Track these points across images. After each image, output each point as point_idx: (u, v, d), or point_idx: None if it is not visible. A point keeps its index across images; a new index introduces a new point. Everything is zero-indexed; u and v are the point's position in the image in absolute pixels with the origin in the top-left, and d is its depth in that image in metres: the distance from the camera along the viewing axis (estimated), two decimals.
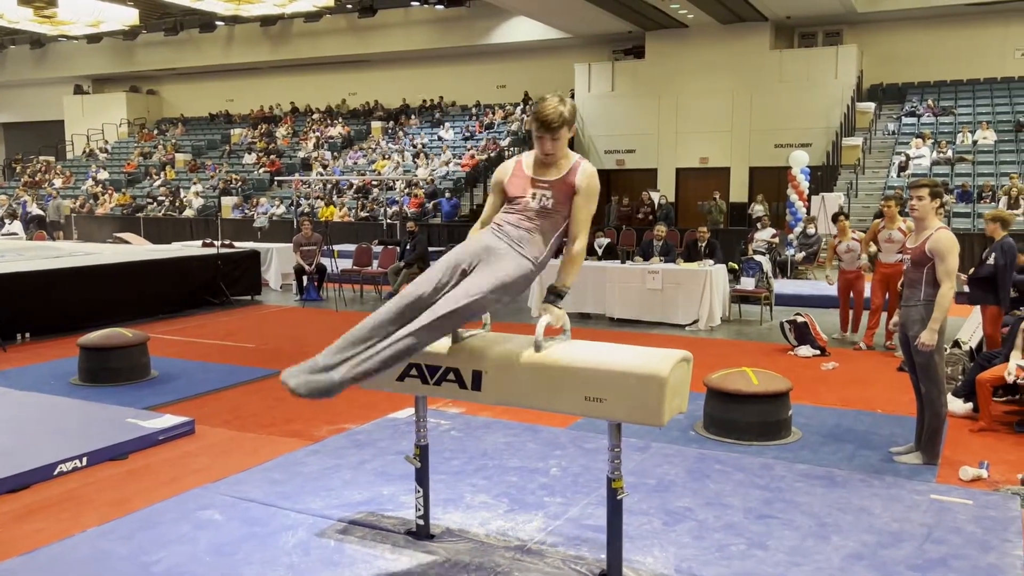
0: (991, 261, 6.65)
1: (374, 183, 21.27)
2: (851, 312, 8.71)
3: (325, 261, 12.35)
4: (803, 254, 14.34)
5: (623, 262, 10.97)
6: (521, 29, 22.34)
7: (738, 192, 20.42)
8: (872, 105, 19.76)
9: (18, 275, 9.21)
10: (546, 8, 19.75)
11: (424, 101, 25.59)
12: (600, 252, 11.25)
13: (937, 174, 16.54)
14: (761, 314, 9.97)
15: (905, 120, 19.10)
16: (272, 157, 24.29)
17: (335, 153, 24.09)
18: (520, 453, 4.75)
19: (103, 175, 26.05)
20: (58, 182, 26.52)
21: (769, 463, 4.62)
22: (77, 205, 23.61)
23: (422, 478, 3.55)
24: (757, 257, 11.01)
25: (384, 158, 22.81)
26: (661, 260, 10.05)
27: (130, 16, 22.24)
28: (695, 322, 9.46)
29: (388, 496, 4.08)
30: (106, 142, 29.10)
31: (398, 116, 25.31)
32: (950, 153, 17.39)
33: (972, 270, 6.93)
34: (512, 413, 5.36)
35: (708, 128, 20.65)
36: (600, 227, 16.56)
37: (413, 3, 22.36)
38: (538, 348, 3.04)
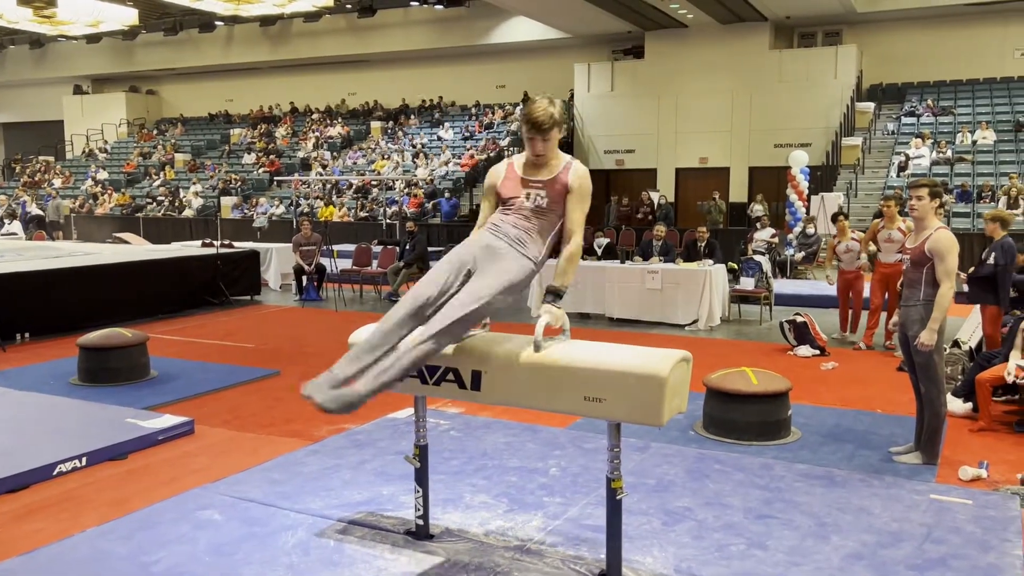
0: (991, 261, 6.66)
1: (373, 183, 21.27)
2: (850, 312, 8.71)
3: (324, 261, 12.34)
4: (802, 254, 14.34)
5: (622, 262, 10.97)
6: (520, 29, 22.34)
7: (737, 192, 20.42)
8: (872, 105, 19.77)
9: (17, 275, 9.21)
10: (545, 8, 19.75)
11: (423, 101, 25.59)
12: (599, 252, 11.26)
13: (936, 174, 16.54)
14: (760, 314, 9.97)
15: (904, 120, 19.10)
16: (271, 157, 24.29)
17: (334, 153, 24.09)
18: (520, 453, 4.75)
19: (102, 175, 26.04)
20: (57, 182, 26.52)
21: (769, 463, 4.62)
22: (76, 205, 23.60)
23: (422, 478, 3.55)
24: (756, 257, 11.01)
25: (383, 158, 22.81)
26: (660, 260, 10.05)
27: (129, 16, 22.23)
28: (694, 322, 9.46)
29: (388, 496, 4.08)
30: (105, 142, 29.09)
31: (397, 116, 25.31)
32: (949, 153, 17.40)
33: (972, 269, 6.93)
34: (512, 413, 5.36)
35: (708, 128, 20.65)
36: (599, 227, 16.60)
37: (412, 3, 22.36)
38: (537, 348, 3.04)
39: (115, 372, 6.79)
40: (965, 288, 6.95)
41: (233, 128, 27.64)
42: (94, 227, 21.38)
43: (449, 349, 3.16)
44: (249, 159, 24.94)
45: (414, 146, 22.96)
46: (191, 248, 12.99)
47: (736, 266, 10.51)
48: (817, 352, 7.94)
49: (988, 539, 3.58)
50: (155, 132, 29.05)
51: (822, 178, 17.47)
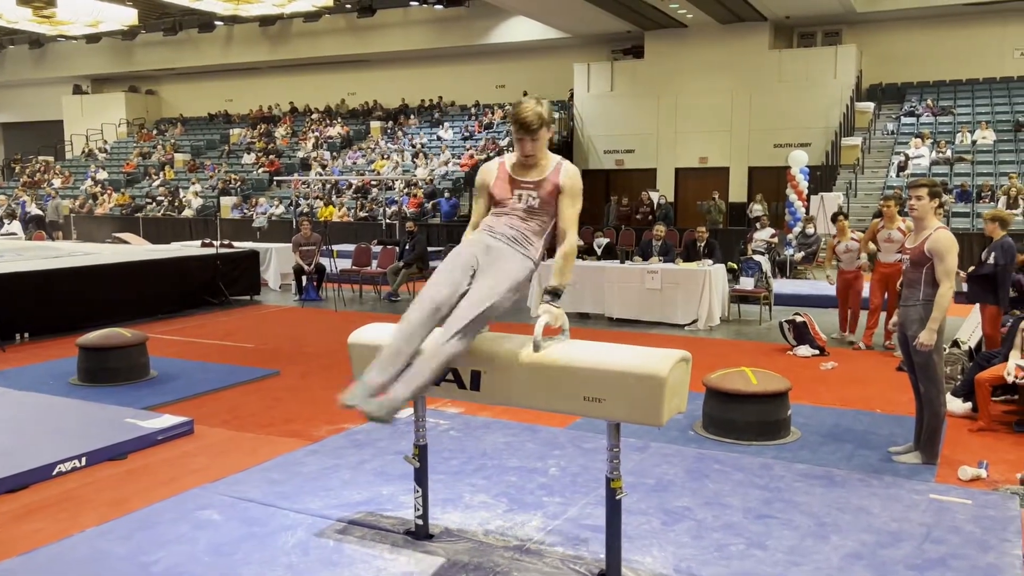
0: (991, 260, 6.66)
1: (373, 183, 21.27)
2: (849, 312, 8.71)
3: (324, 261, 12.35)
4: (802, 254, 14.35)
5: (622, 262, 10.98)
6: (520, 29, 22.33)
7: (737, 192, 20.41)
8: (871, 105, 19.76)
9: (17, 275, 9.21)
10: (545, 8, 19.74)
11: (423, 101, 25.59)
12: (599, 252, 11.25)
13: (936, 174, 16.54)
14: (760, 314, 9.97)
15: (904, 120, 19.11)
16: (271, 157, 24.28)
17: (334, 153, 24.09)
18: (519, 453, 4.75)
19: (102, 175, 26.03)
20: (57, 182, 26.51)
21: (768, 463, 4.62)
22: (76, 205, 23.59)
23: (421, 478, 3.55)
24: (756, 257, 11.02)
25: (383, 158, 22.80)
26: (660, 260, 10.04)
27: (129, 16, 22.22)
28: (694, 322, 9.46)
29: (387, 496, 4.08)
30: (105, 142, 29.09)
31: (397, 116, 25.31)
32: (949, 153, 17.40)
33: (971, 268, 6.93)
34: (511, 413, 5.36)
35: (707, 128, 20.65)
36: (599, 227, 16.59)
37: (412, 3, 22.35)
38: (537, 348, 3.04)
39: (114, 372, 6.79)
40: (964, 287, 6.95)
41: (233, 128, 27.64)
42: (94, 227, 21.37)
43: None
44: (249, 159, 24.94)
45: (414, 146, 22.95)
46: (191, 248, 12.99)
47: (736, 266, 10.51)
48: (817, 352, 7.94)
49: (987, 539, 3.58)
50: (155, 132, 29.05)
51: (822, 178, 17.47)
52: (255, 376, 7.12)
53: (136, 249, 13.50)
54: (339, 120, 25.99)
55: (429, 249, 12.79)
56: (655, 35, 20.85)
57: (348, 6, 22.69)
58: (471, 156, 21.43)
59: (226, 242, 13.06)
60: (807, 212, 15.46)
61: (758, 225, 14.47)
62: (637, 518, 3.77)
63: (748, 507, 3.95)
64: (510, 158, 3.30)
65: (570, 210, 3.20)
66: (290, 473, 4.43)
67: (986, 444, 5.22)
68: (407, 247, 12.18)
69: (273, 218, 20.50)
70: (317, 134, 25.21)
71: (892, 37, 20.02)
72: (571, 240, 3.19)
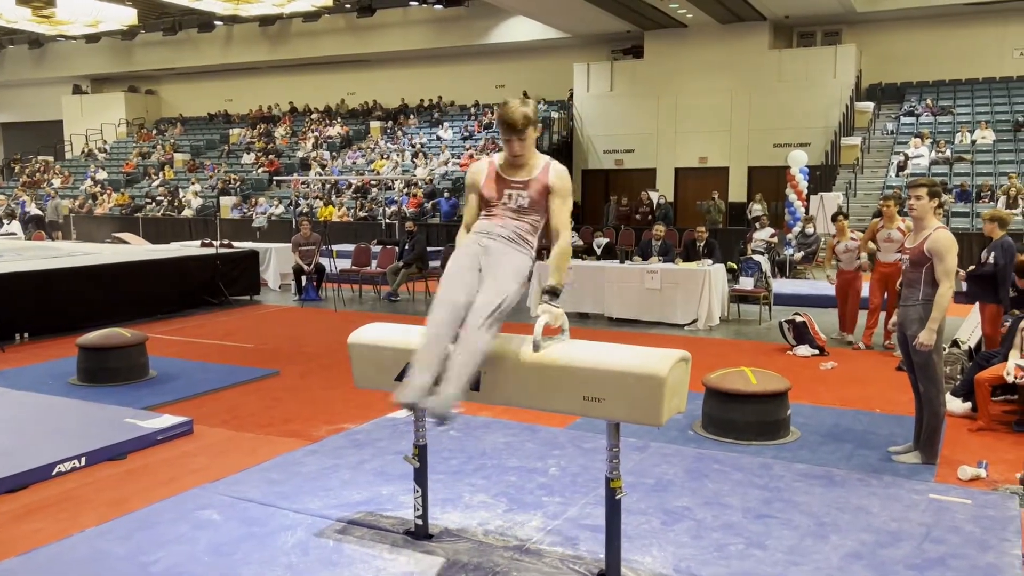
0: (991, 260, 6.66)
1: (373, 183, 21.27)
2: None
3: (324, 261, 12.35)
4: (802, 254, 14.35)
5: (622, 262, 10.98)
6: (520, 29, 22.33)
7: (737, 192, 20.42)
8: (871, 105, 19.77)
9: (17, 275, 9.21)
10: (545, 8, 19.74)
11: (423, 101, 25.59)
12: (599, 252, 11.25)
13: (936, 174, 16.54)
14: (760, 314, 9.97)
15: (904, 120, 19.11)
16: (271, 157, 24.28)
17: (334, 153, 24.08)
18: (519, 453, 4.75)
19: (102, 175, 26.03)
20: (57, 182, 26.51)
21: (768, 463, 4.62)
22: (76, 205, 23.59)
23: (421, 478, 3.54)
24: (756, 257, 11.02)
25: (383, 158, 22.80)
26: (660, 260, 10.04)
27: (128, 16, 22.21)
28: (694, 322, 9.46)
29: (387, 496, 4.08)
30: (105, 142, 29.08)
31: (397, 116, 25.31)
32: (949, 153, 17.40)
33: (971, 268, 6.93)
34: (511, 413, 5.36)
35: (707, 128, 20.65)
36: (599, 227, 16.61)
37: (412, 3, 22.35)
38: (536, 348, 3.04)
39: (114, 372, 6.79)
40: (964, 286, 6.95)
41: (232, 128, 27.63)
42: (93, 227, 21.37)
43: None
44: (248, 159, 24.93)
45: (413, 146, 22.95)
46: (190, 248, 12.99)
47: (735, 266, 10.51)
48: (816, 352, 7.94)
49: (987, 539, 3.58)
50: (154, 132, 29.04)
51: (821, 178, 17.47)
52: (255, 376, 7.12)
53: (136, 249, 13.50)
54: (339, 120, 25.99)
55: (428, 249, 12.79)
56: (655, 35, 20.86)
57: (348, 6, 22.69)
58: (471, 156, 21.41)
59: (226, 242, 13.06)
60: (807, 212, 15.47)
61: (758, 225, 14.47)
62: (637, 518, 3.77)
63: (748, 507, 3.95)
64: (499, 158, 3.32)
65: (561, 210, 3.23)
66: (290, 473, 4.43)
67: (986, 444, 5.22)
68: (407, 247, 12.18)
69: (273, 218, 20.49)
70: (317, 134, 25.20)
71: (892, 37, 20.02)
72: (565, 239, 3.22)
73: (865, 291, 8.60)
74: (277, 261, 13.24)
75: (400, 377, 3.27)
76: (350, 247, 14.21)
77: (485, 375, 3.11)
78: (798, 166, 16.06)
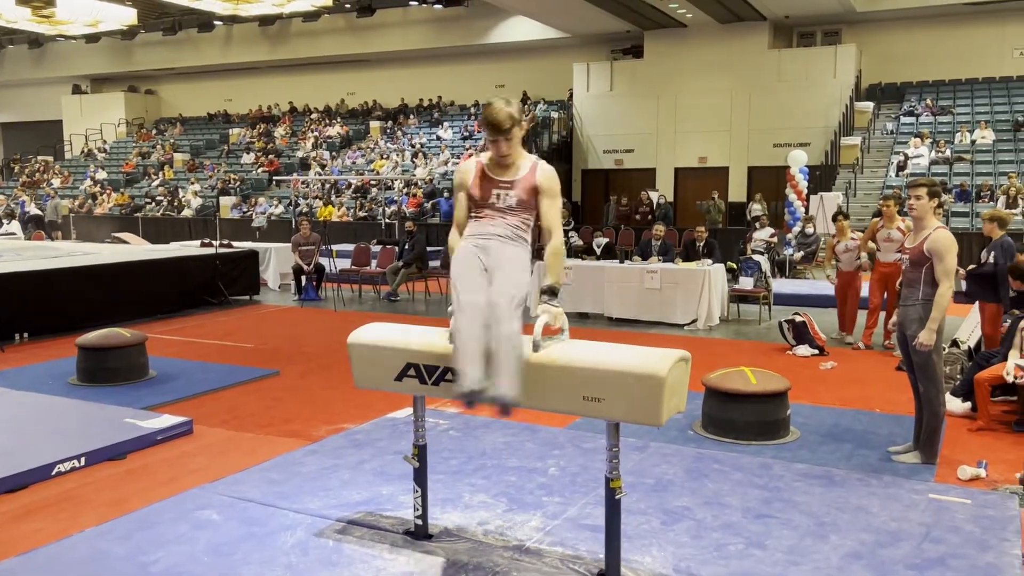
0: (991, 260, 6.66)
1: (372, 183, 21.27)
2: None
3: (323, 261, 12.34)
4: (801, 253, 14.35)
5: (621, 262, 10.98)
6: (519, 29, 22.33)
7: (736, 192, 20.42)
8: (871, 104, 19.77)
9: (16, 275, 9.20)
10: (544, 8, 19.74)
11: (422, 101, 25.59)
12: (599, 252, 11.25)
13: (935, 173, 16.55)
14: (760, 314, 9.97)
15: (903, 119, 19.11)
16: (270, 157, 24.27)
17: (333, 153, 24.08)
18: (518, 453, 4.75)
19: (101, 175, 26.02)
20: (56, 182, 26.50)
21: (767, 462, 4.62)
22: (75, 205, 23.59)
23: (420, 478, 3.54)
24: (755, 256, 11.02)
25: (383, 158, 22.80)
26: (659, 260, 10.04)
27: (128, 16, 22.21)
28: (693, 322, 9.46)
29: (387, 496, 4.08)
30: (104, 142, 29.08)
31: (396, 116, 25.30)
32: (948, 152, 17.40)
33: (971, 267, 6.93)
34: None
35: (707, 128, 20.65)
36: (598, 227, 16.60)
37: (411, 3, 22.34)
38: (536, 348, 3.04)
39: (114, 372, 6.79)
40: (963, 285, 6.95)
41: (232, 128, 27.63)
42: (93, 227, 21.37)
43: (449, 349, 3.17)
44: (248, 159, 24.93)
45: (413, 146, 22.95)
46: (190, 248, 12.99)
47: (735, 266, 10.51)
48: (816, 352, 7.94)
49: (987, 538, 3.58)
50: (154, 132, 29.04)
51: (821, 178, 17.48)
52: (254, 376, 7.12)
53: (135, 249, 13.50)
54: (338, 120, 25.98)
55: (428, 249, 12.79)
56: (654, 35, 20.86)
57: (347, 6, 22.68)
58: (471, 156, 21.38)
59: (225, 242, 13.06)
60: (806, 212, 15.47)
61: (757, 225, 14.47)
62: (636, 518, 3.77)
63: (747, 507, 3.95)
64: (486, 157, 3.32)
65: (552, 210, 3.24)
66: (289, 473, 4.42)
67: (985, 444, 5.22)
68: (406, 247, 12.18)
69: (272, 218, 20.49)
70: (316, 134, 25.20)
71: (892, 37, 20.02)
72: (557, 238, 3.23)
73: (865, 291, 8.60)
74: (277, 261, 13.24)
75: (400, 377, 3.27)
76: (350, 247, 14.21)
77: None
78: (798, 166, 16.07)
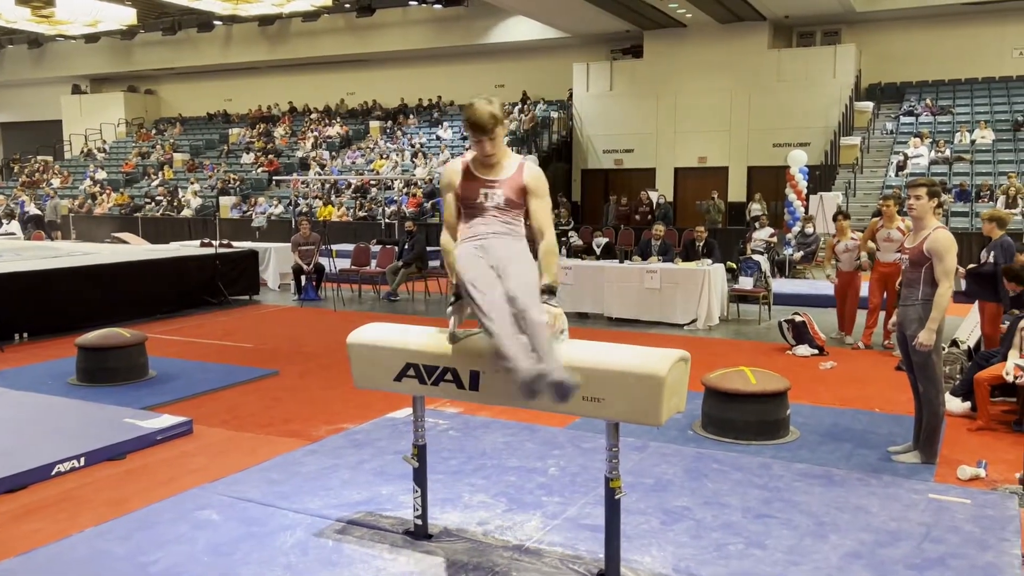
0: (991, 259, 6.66)
1: (372, 183, 21.27)
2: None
3: (323, 261, 12.34)
4: (801, 253, 14.35)
5: (621, 261, 10.98)
6: (519, 29, 22.33)
7: (736, 191, 20.42)
8: (870, 104, 19.78)
9: (16, 275, 9.20)
10: (544, 8, 19.74)
11: (422, 101, 25.58)
12: (598, 252, 11.25)
13: (935, 173, 16.55)
14: (759, 313, 9.97)
15: (903, 119, 19.11)
16: (270, 157, 24.27)
17: (333, 153, 24.08)
18: (518, 453, 4.75)
19: (101, 175, 26.02)
20: (56, 182, 26.50)
21: (767, 462, 4.62)
22: (75, 205, 23.59)
23: (420, 478, 3.54)
24: (755, 256, 11.03)
25: (382, 158, 22.80)
26: (659, 260, 10.04)
27: (128, 16, 22.20)
28: (693, 321, 9.46)
29: (386, 496, 4.08)
30: (104, 142, 29.07)
31: (396, 116, 25.30)
32: (948, 152, 17.41)
33: (971, 266, 6.93)
34: (510, 413, 5.35)
35: (706, 127, 20.65)
36: (598, 227, 16.61)
37: (411, 3, 22.34)
38: None
39: (113, 372, 6.79)
40: (963, 284, 6.95)
41: (232, 128, 27.62)
42: (92, 227, 21.37)
43: (448, 349, 3.17)
44: (248, 159, 24.93)
45: (413, 146, 22.95)
46: (190, 248, 12.99)
47: (735, 265, 10.52)
48: (816, 352, 7.94)
49: (986, 538, 3.58)
50: (153, 132, 29.03)
51: (821, 177, 17.48)
52: (254, 376, 7.12)
53: (135, 249, 13.50)
54: (338, 120, 25.98)
55: (428, 249, 12.79)
56: (654, 35, 20.86)
57: (347, 6, 22.68)
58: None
59: (225, 242, 13.05)
60: (806, 212, 15.47)
61: (757, 225, 14.48)
62: (636, 518, 3.77)
63: (747, 506, 3.95)
64: (471, 157, 3.31)
65: (542, 209, 3.25)
66: (289, 473, 4.42)
67: (985, 443, 5.22)
68: (406, 247, 12.18)
69: (272, 218, 20.49)
70: (316, 134, 25.20)
71: (891, 37, 20.03)
72: (549, 237, 3.23)
73: (864, 291, 8.60)
74: (276, 261, 13.24)
75: (399, 377, 3.28)
76: (350, 247, 14.21)
77: (484, 375, 3.11)
78: (797, 166, 16.07)
